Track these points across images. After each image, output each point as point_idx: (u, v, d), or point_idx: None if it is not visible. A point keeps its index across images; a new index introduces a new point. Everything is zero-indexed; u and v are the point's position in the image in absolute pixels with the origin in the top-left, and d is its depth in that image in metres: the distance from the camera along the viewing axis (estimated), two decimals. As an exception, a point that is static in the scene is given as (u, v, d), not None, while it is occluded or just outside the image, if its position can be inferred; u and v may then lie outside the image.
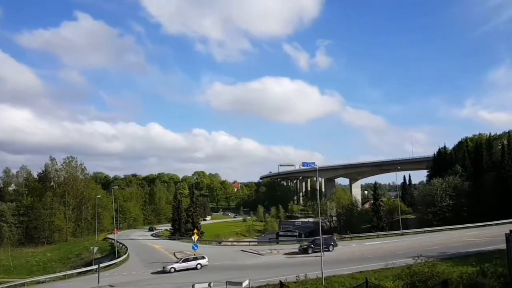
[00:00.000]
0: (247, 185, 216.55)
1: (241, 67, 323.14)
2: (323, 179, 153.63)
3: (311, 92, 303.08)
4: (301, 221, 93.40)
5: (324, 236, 32.77)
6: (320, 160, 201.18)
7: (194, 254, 40.04)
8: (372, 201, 68.64)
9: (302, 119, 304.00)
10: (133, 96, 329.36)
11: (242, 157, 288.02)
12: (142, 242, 67.40)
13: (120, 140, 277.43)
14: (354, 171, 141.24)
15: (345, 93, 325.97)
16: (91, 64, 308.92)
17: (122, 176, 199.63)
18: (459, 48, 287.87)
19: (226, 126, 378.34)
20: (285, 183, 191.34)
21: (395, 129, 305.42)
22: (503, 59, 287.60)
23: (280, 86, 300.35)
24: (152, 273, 34.32)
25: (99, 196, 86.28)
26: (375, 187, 71.02)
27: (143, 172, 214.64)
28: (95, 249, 45.54)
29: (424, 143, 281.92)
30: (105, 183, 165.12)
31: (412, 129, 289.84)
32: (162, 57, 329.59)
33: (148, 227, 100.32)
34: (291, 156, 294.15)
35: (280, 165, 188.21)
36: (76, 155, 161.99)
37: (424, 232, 47.85)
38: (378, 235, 50.15)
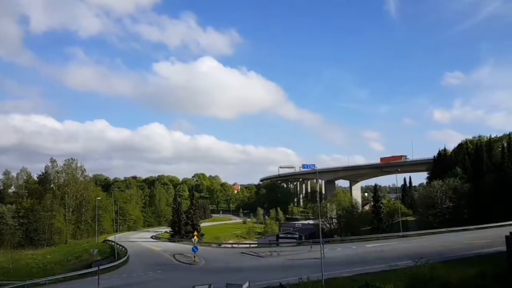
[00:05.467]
0: (247, 187, 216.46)
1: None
2: (323, 181, 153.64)
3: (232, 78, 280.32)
4: (301, 223, 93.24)
5: None
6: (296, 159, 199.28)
7: (194, 256, 40.11)
8: (372, 203, 68.56)
9: (232, 113, 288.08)
10: (39, 85, 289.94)
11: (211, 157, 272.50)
12: (142, 244, 67.29)
13: (67, 139, 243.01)
14: (354, 173, 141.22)
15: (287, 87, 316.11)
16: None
17: (122, 178, 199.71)
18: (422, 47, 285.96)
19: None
20: (285, 185, 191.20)
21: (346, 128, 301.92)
22: (487, 58, 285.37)
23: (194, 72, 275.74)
24: None
25: (99, 198, 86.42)
26: (375, 189, 70.89)
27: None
28: (95, 251, 45.52)
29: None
30: (105, 185, 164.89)
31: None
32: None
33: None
34: (252, 154, 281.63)
35: (280, 167, 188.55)
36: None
37: (424, 234, 47.76)
38: (378, 237, 50.06)
